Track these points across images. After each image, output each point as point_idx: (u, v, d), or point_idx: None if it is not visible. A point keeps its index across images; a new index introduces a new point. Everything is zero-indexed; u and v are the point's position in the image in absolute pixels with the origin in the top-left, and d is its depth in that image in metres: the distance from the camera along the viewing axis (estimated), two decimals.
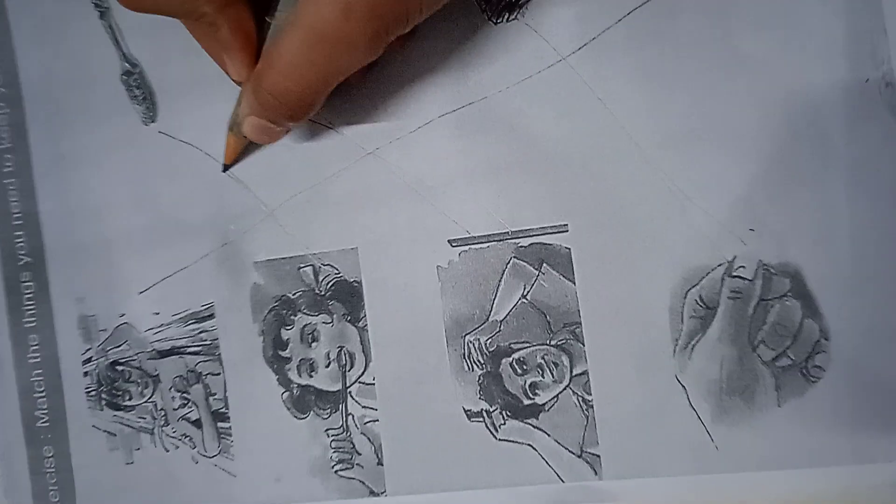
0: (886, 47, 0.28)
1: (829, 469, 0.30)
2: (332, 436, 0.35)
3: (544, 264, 0.32)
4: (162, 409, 0.37)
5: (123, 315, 0.38)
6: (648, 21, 0.31)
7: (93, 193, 0.38)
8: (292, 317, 0.35)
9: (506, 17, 0.32)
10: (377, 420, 0.34)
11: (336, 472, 0.35)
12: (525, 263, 0.32)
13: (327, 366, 0.35)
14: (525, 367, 0.33)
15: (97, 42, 0.38)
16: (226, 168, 0.36)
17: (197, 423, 0.37)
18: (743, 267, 0.30)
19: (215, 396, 0.36)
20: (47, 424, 0.39)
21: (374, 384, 0.34)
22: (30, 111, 0.39)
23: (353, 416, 0.35)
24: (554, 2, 0.32)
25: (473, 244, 0.33)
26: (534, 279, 0.32)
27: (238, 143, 0.34)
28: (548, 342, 0.32)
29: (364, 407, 0.34)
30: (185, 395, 0.37)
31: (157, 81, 0.37)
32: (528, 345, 0.33)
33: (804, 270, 0.30)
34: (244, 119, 0.31)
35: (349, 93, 0.34)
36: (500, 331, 0.33)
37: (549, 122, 0.32)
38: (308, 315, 0.35)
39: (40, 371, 0.39)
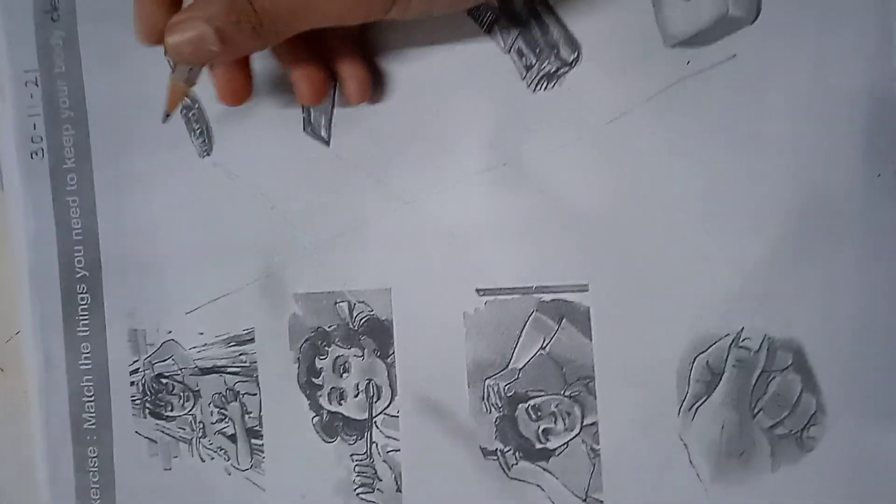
0: None
1: None
2: (357, 461, 0.38)
3: (564, 320, 0.35)
4: (201, 422, 0.40)
5: (170, 332, 0.41)
6: (680, 99, 0.33)
7: (148, 216, 0.41)
8: (326, 348, 0.38)
9: (544, 85, 0.35)
10: (399, 450, 0.37)
11: (358, 494, 0.38)
12: (546, 318, 0.35)
13: (356, 396, 0.38)
14: (539, 413, 0.35)
15: (161, 74, 0.40)
16: (167, 117, 0.34)
17: (232, 438, 0.40)
18: (749, 339, 0.32)
19: (251, 415, 0.39)
20: (94, 426, 0.42)
21: (398, 416, 0.37)
22: (94, 135, 0.42)
23: (376, 444, 0.37)
24: (591, 75, 0.34)
25: (499, 295, 0.35)
26: (553, 333, 0.35)
27: (183, 90, 0.33)
28: (562, 393, 0.35)
29: (387, 437, 0.37)
30: (222, 410, 0.40)
31: (214, 117, 0.40)
32: (543, 394, 0.35)
33: (806, 347, 0.32)
34: (188, 23, 0.28)
35: (394, 144, 0.36)
36: (518, 378, 0.35)
37: (578, 186, 0.34)
38: (341, 347, 0.38)
39: (90, 377, 0.42)
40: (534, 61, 0.34)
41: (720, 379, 0.33)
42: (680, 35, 0.32)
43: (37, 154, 0.43)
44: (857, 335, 0.31)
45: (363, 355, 0.37)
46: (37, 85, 0.43)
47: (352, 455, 0.38)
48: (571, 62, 0.34)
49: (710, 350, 0.33)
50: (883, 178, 0.30)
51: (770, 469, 0.32)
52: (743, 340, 0.32)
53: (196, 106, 0.40)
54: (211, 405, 0.40)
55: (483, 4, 0.35)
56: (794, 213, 0.32)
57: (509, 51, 0.35)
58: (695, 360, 0.33)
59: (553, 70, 0.34)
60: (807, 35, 0.31)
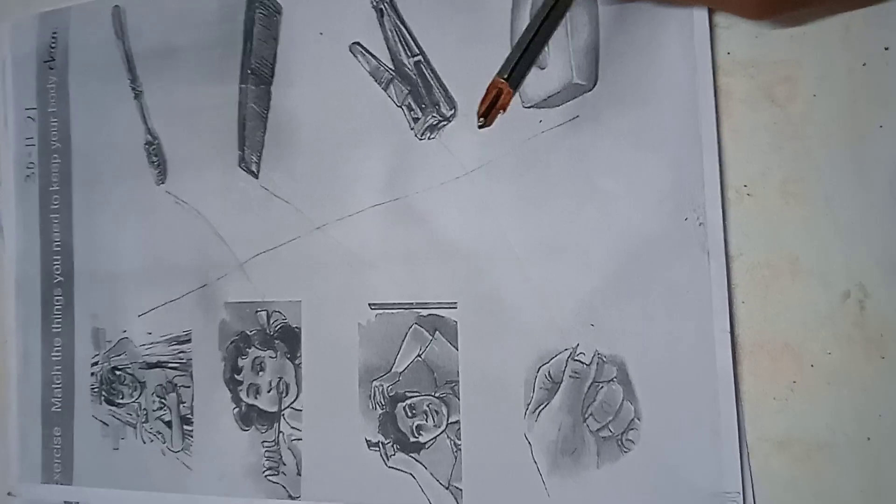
0: (702, 196, 0.36)
1: None
2: (266, 447, 0.44)
3: (437, 332, 0.41)
4: (144, 409, 0.47)
5: (125, 331, 0.48)
6: (533, 151, 0.39)
7: (113, 233, 0.49)
8: (247, 349, 0.45)
9: (428, 135, 0.41)
10: (301, 439, 0.43)
11: (265, 476, 0.44)
12: (423, 329, 0.41)
13: (269, 391, 0.44)
14: (414, 411, 0.41)
15: (130, 117, 0.49)
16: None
17: (168, 424, 0.46)
18: (583, 353, 0.38)
19: (185, 404, 0.46)
20: (60, 410, 0.49)
21: (301, 410, 0.43)
22: (75, 164, 0.50)
23: (283, 434, 0.44)
24: (464, 128, 0.41)
25: (387, 309, 0.42)
26: (428, 343, 0.41)
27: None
28: (433, 394, 0.41)
29: (292, 427, 0.44)
30: (162, 400, 0.47)
31: (170, 153, 0.47)
32: (418, 394, 0.41)
33: (628, 362, 0.37)
34: None
35: (308, 179, 0.43)
36: (399, 380, 0.41)
37: (451, 221, 0.41)
38: (259, 349, 0.45)
39: (59, 368, 0.49)
40: (420, 115, 0.41)
41: (559, 387, 0.38)
42: (535, 98, 0.39)
43: (29, 177, 0.51)
44: (667, 355, 0.37)
45: (276, 356, 0.44)
46: (34, 120, 0.51)
47: (262, 442, 0.44)
48: (449, 117, 0.41)
49: (551, 362, 0.39)
50: (688, 223, 0.36)
51: (596, 466, 0.38)
52: (578, 355, 0.38)
53: (156, 142, 0.48)
54: (153, 395, 0.47)
55: (381, 66, 0.42)
56: (618, 251, 0.38)
57: (401, 105, 0.42)
58: (539, 369, 0.39)
59: (435, 123, 0.41)
60: (631, 102, 0.38)
